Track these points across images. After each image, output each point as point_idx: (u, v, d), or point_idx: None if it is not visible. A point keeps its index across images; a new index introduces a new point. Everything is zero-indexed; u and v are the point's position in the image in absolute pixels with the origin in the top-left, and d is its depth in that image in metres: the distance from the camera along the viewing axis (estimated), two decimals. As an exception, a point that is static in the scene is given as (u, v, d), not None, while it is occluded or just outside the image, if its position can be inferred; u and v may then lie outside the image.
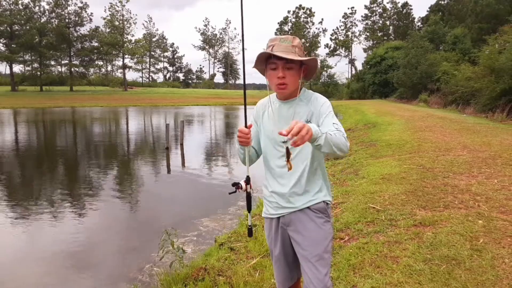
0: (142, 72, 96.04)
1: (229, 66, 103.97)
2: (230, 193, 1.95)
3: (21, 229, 5.82)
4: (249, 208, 1.96)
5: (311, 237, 1.76)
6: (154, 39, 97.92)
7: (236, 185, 1.88)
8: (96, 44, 74.87)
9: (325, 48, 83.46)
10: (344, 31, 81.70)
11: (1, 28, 64.38)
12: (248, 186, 1.88)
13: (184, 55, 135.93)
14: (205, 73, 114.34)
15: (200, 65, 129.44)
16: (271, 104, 1.86)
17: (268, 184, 1.90)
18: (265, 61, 1.76)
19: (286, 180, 1.80)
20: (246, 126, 1.77)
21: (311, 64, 1.77)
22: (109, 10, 74.42)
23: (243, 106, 1.84)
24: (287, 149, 1.51)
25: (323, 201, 1.81)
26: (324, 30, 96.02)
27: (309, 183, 1.78)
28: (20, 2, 66.85)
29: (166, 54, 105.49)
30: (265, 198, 1.94)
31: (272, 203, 1.87)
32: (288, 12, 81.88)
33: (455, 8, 43.28)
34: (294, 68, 1.71)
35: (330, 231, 1.81)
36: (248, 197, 1.92)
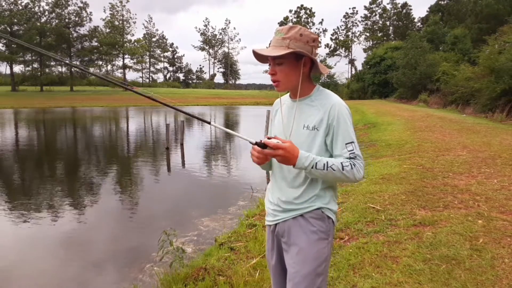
0: (142, 72, 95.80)
1: (229, 66, 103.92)
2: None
3: (20, 228, 5.82)
4: None
5: (300, 253, 1.53)
6: (154, 39, 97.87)
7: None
8: (96, 44, 74.92)
9: (325, 48, 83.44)
10: (344, 31, 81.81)
11: (1, 28, 64.31)
12: None
13: (184, 55, 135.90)
14: (205, 73, 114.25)
15: (200, 65, 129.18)
16: (281, 103, 1.71)
17: (270, 187, 1.74)
18: None
19: (285, 183, 1.61)
20: None
21: (307, 56, 1.51)
22: (109, 10, 74.50)
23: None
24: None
25: (320, 208, 1.55)
26: (324, 30, 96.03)
27: (309, 187, 1.56)
28: (19, 2, 66.88)
29: (166, 54, 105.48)
30: (266, 201, 1.79)
31: (269, 208, 1.71)
32: (290, 11, 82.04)
33: (455, 8, 43.31)
34: (285, 63, 1.50)
35: (324, 250, 1.53)
36: None
